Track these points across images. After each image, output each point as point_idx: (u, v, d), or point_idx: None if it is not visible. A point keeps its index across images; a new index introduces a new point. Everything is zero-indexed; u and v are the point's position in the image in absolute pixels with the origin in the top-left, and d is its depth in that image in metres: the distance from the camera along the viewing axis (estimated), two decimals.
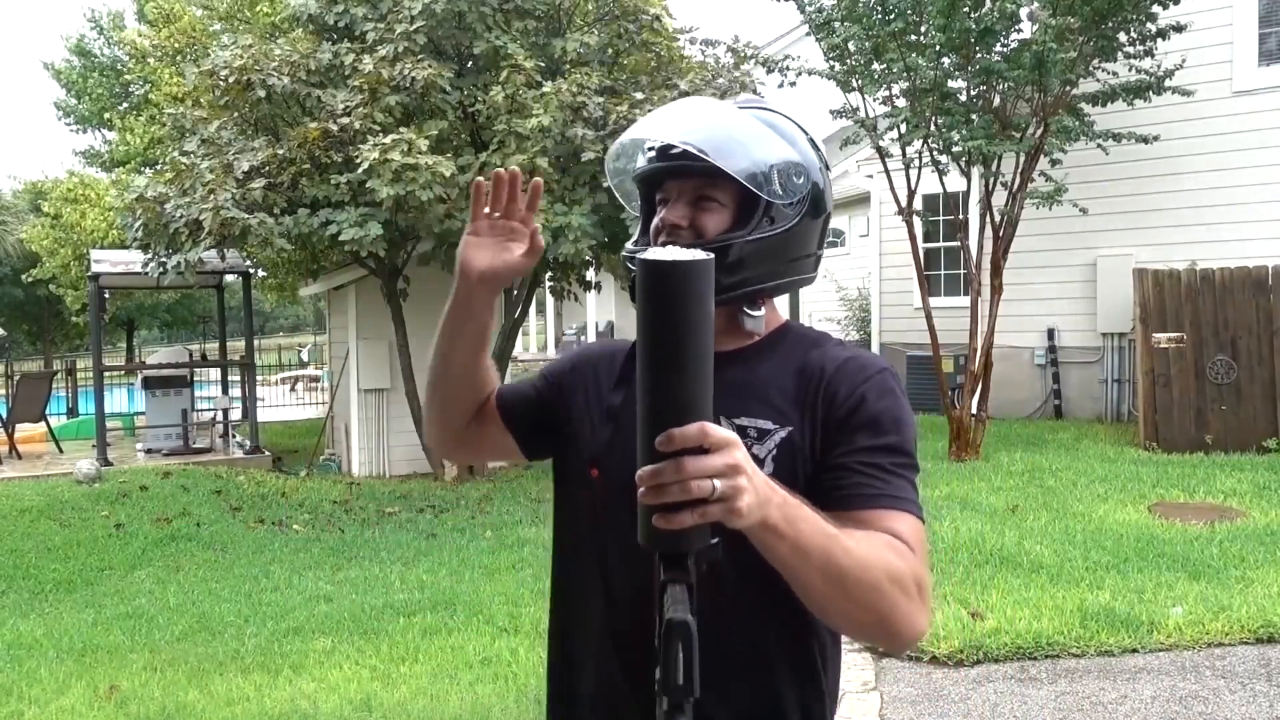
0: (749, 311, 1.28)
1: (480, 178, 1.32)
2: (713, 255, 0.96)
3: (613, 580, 1.29)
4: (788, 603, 1.11)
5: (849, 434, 1.21)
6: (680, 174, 1.27)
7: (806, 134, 1.32)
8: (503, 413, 1.45)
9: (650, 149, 1.31)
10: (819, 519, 1.05)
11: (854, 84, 9.24)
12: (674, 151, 1.26)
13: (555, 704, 1.51)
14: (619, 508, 1.13)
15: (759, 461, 1.17)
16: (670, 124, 1.30)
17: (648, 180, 1.33)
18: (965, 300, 9.78)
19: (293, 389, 20.06)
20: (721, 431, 0.93)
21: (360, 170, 7.67)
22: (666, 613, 0.92)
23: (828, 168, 1.33)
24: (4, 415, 11.09)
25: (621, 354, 1.37)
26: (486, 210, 1.31)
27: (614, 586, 1.28)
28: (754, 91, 9.30)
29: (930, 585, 1.15)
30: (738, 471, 0.93)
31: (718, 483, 0.92)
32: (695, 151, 1.21)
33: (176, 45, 12.98)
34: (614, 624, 1.29)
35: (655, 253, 0.96)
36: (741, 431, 1.20)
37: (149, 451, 10.59)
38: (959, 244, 9.77)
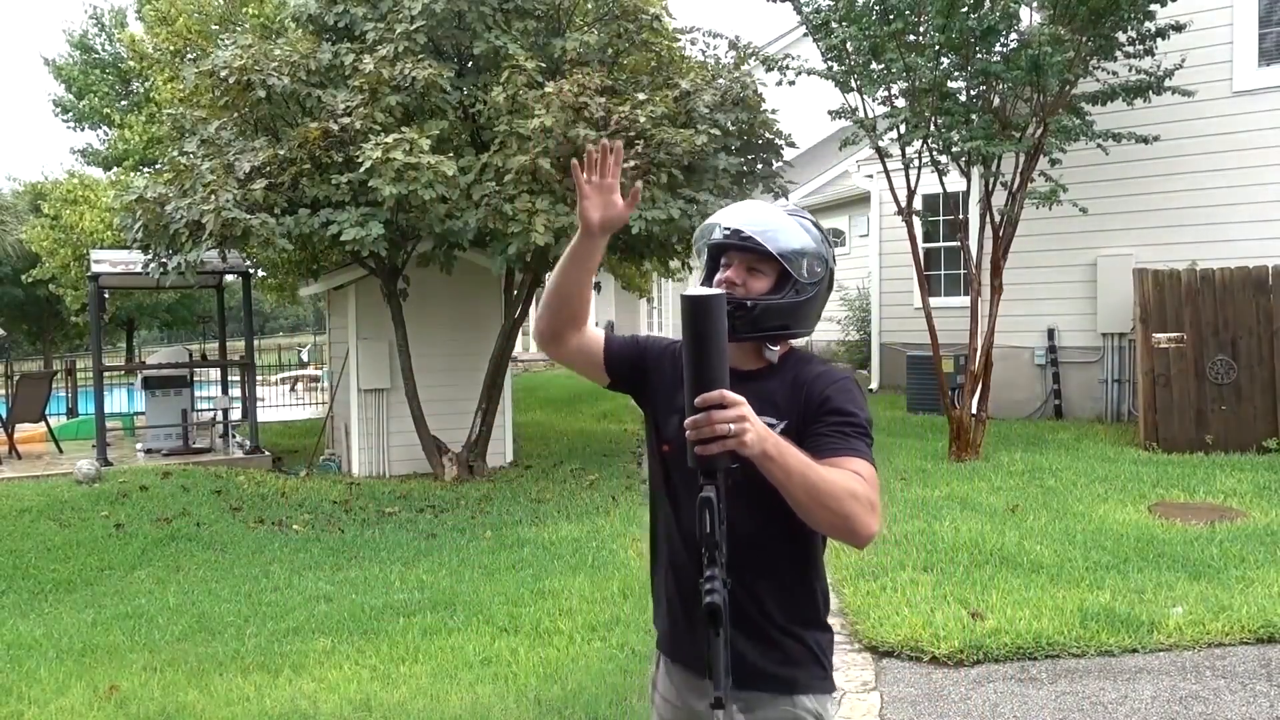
0: (769, 346, 1.88)
1: (576, 159, 1.80)
2: (724, 292, 1.61)
3: (677, 518, 1.89)
4: (787, 517, 1.68)
5: (821, 417, 1.78)
6: (741, 249, 1.86)
7: (822, 231, 1.92)
8: (607, 342, 2.01)
9: (725, 229, 1.87)
10: (802, 455, 1.61)
11: (853, 84, 9.24)
12: (741, 235, 1.85)
13: (654, 604, 2.04)
14: (681, 473, 1.77)
15: None
16: (741, 216, 1.88)
17: (718, 248, 1.91)
18: (965, 300, 9.78)
19: (292, 389, 20.05)
20: (734, 396, 1.51)
21: (362, 170, 7.67)
22: (700, 493, 1.52)
23: (834, 256, 1.93)
24: (4, 415, 11.09)
25: (674, 354, 1.96)
26: (589, 177, 1.79)
27: (678, 523, 1.89)
28: (754, 91, 9.31)
29: (879, 506, 1.68)
30: (744, 419, 1.51)
31: (731, 426, 1.50)
32: (754, 237, 1.83)
33: (173, 48, 12.96)
34: (673, 557, 1.91)
35: (692, 290, 1.54)
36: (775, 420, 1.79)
37: (149, 451, 10.59)
38: (959, 244, 9.77)
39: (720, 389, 1.51)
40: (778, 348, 1.89)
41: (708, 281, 1.91)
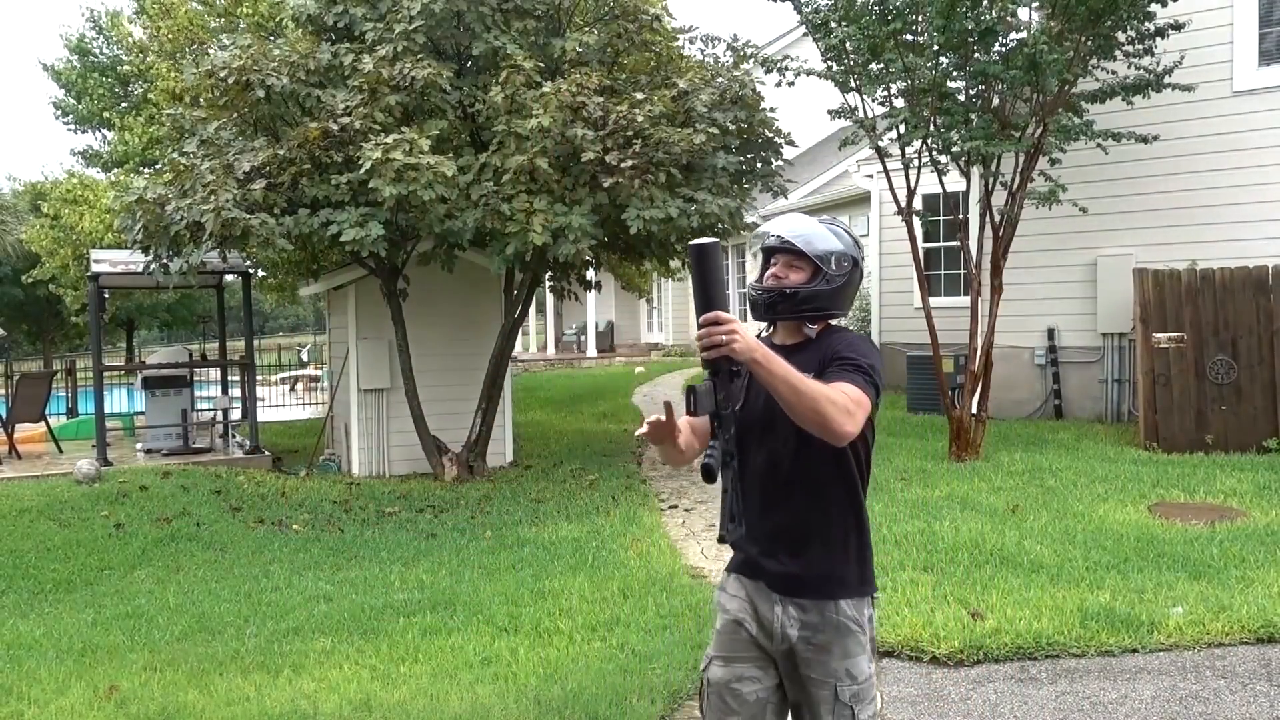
0: (809, 324, 2.38)
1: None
2: (718, 240, 2.11)
3: (755, 460, 2.33)
4: (836, 469, 2.28)
5: (831, 363, 2.24)
6: (783, 250, 2.39)
7: (853, 237, 2.43)
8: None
9: (773, 236, 2.40)
10: (789, 365, 2.04)
11: (852, 84, 9.24)
12: (783, 239, 2.38)
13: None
14: (758, 427, 2.31)
15: None
16: (784, 226, 2.41)
17: (768, 250, 2.43)
18: (965, 300, 9.78)
19: (292, 389, 20.05)
20: (727, 315, 1.98)
21: (362, 170, 7.66)
22: (707, 370, 2.04)
23: (863, 255, 2.46)
24: (4, 415, 11.09)
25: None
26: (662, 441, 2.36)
27: (761, 467, 2.33)
28: (753, 90, 9.31)
29: (859, 416, 2.09)
30: (734, 331, 1.97)
31: (724, 336, 1.97)
32: (794, 241, 2.36)
33: (174, 41, 12.95)
34: (764, 484, 2.32)
35: (697, 240, 2.05)
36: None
37: (149, 451, 10.59)
38: (959, 244, 9.77)
39: (717, 311, 1.99)
40: (816, 326, 2.37)
41: (761, 275, 2.45)
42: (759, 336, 2.33)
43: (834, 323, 2.41)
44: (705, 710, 2.39)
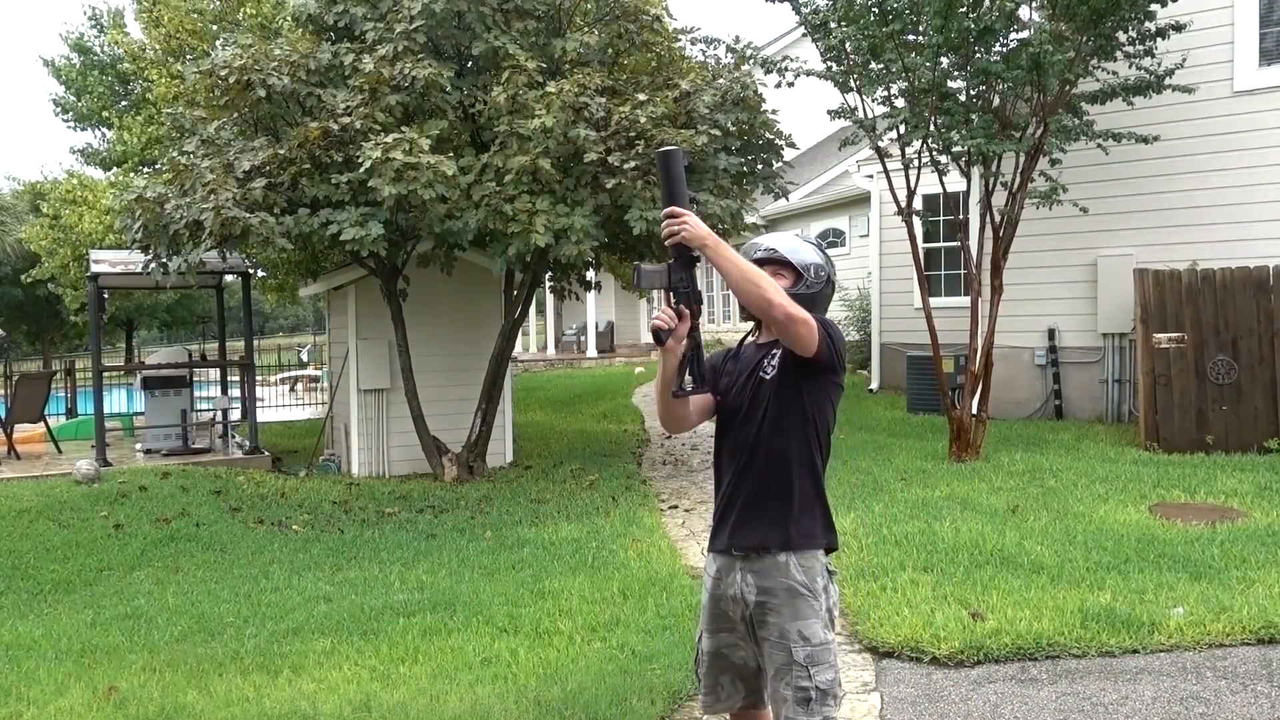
0: None
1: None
2: (676, 149, 2.48)
3: (725, 443, 2.70)
4: (794, 443, 2.59)
5: None
6: (771, 261, 2.70)
7: (827, 256, 2.77)
8: (710, 390, 2.68)
9: (763, 248, 2.72)
10: (738, 254, 2.46)
11: (852, 84, 9.23)
12: (774, 250, 2.71)
13: (717, 507, 2.72)
14: (726, 415, 2.69)
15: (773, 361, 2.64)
16: (774, 240, 2.74)
17: (758, 262, 2.65)
18: (965, 300, 9.78)
19: (292, 389, 20.05)
20: (682, 210, 2.42)
21: (362, 170, 7.66)
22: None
23: (834, 271, 2.78)
24: (3, 415, 11.08)
25: (723, 354, 2.81)
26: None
27: (732, 443, 2.67)
28: (754, 92, 9.30)
29: (804, 316, 2.42)
30: (684, 222, 2.40)
31: (677, 226, 2.41)
32: (781, 251, 2.71)
33: (169, 47, 12.95)
34: (732, 460, 2.66)
35: (664, 148, 2.47)
36: (770, 358, 2.65)
37: (148, 452, 10.59)
38: (959, 244, 9.77)
39: (674, 206, 2.42)
40: None
41: None
42: (745, 337, 2.80)
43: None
44: (701, 675, 2.74)
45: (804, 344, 2.45)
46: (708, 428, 2.87)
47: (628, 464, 10.16)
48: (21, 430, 11.39)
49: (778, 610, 2.52)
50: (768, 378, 2.59)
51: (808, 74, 9.32)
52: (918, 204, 9.58)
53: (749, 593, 2.55)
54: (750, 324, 2.78)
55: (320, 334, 23.51)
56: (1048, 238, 10.70)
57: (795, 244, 2.74)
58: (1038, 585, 5.18)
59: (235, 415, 12.54)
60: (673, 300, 2.47)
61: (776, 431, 2.57)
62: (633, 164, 7.92)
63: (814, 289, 2.70)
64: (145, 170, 14.72)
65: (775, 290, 2.39)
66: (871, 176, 14.04)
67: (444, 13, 8.37)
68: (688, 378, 2.54)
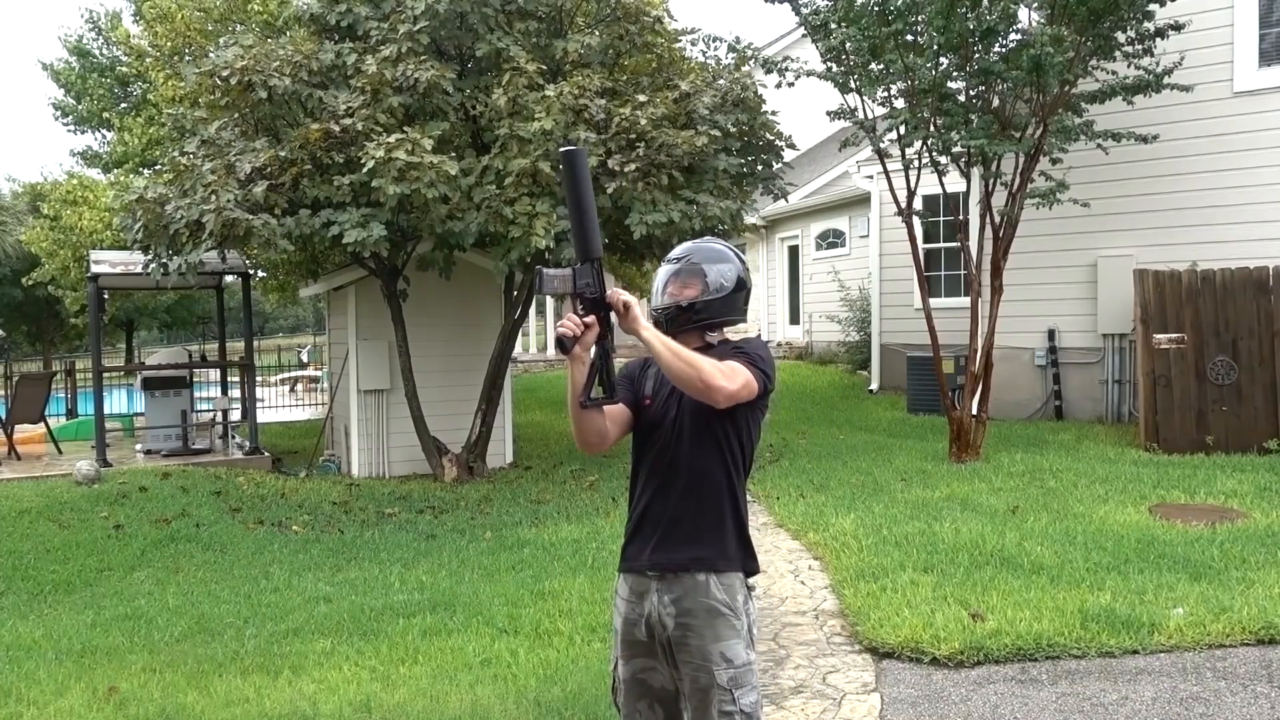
0: (709, 333, 2.59)
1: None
2: (581, 149, 2.36)
3: (645, 457, 2.64)
4: (715, 462, 2.51)
5: (725, 357, 2.46)
6: (677, 273, 2.60)
7: (739, 256, 2.69)
8: (623, 402, 2.57)
9: (667, 261, 2.65)
10: (673, 341, 2.35)
11: (852, 85, 9.23)
12: (677, 259, 2.63)
13: (629, 524, 2.65)
14: (652, 422, 2.59)
15: None
16: (689, 249, 2.65)
17: (675, 272, 2.63)
18: (965, 301, 9.78)
19: (292, 390, 20.04)
20: (623, 297, 2.29)
21: (365, 170, 7.66)
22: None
23: (747, 270, 2.70)
24: (3, 416, 11.08)
25: (639, 363, 2.70)
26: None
27: (652, 459, 2.60)
28: (754, 93, 9.31)
29: (739, 383, 2.36)
30: (635, 318, 2.31)
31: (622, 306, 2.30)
32: (684, 258, 2.62)
33: (173, 46, 12.93)
34: (650, 478, 2.60)
35: (567, 147, 2.32)
36: None
37: (148, 452, 10.59)
38: (959, 245, 9.77)
39: (590, 210, 2.28)
40: (715, 334, 2.61)
41: (660, 294, 2.65)
42: None
43: (746, 333, 2.64)
44: (619, 703, 2.66)
45: (748, 398, 2.41)
46: None
47: (627, 464, 10.15)
48: (22, 431, 11.39)
49: (699, 631, 2.43)
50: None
51: (808, 74, 9.32)
52: (918, 204, 9.58)
53: (667, 615, 2.45)
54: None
55: (320, 334, 23.49)
56: (1048, 238, 10.70)
57: (695, 247, 2.67)
58: (1038, 586, 5.17)
59: (235, 416, 12.54)
60: (578, 307, 2.31)
61: (698, 448, 2.49)
62: (633, 166, 7.93)
63: (724, 292, 2.59)
64: (146, 171, 14.72)
65: (712, 373, 2.31)
66: (871, 177, 14.05)
67: (447, 13, 8.36)
68: (597, 388, 2.38)
